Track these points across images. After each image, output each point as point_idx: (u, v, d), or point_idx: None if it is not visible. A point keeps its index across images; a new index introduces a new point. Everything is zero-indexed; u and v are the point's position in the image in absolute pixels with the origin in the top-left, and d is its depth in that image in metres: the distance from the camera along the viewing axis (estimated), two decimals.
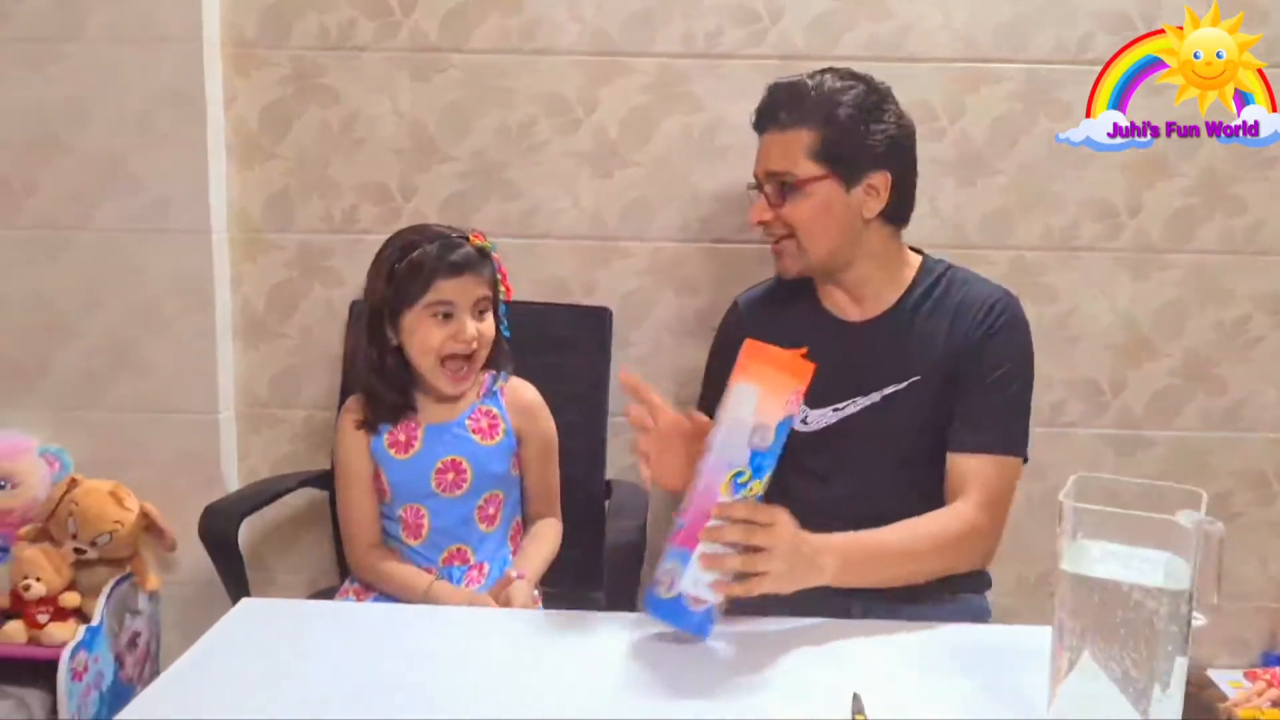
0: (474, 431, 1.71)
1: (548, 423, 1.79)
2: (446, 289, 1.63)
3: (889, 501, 1.51)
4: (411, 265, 1.63)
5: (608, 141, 2.09)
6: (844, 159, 1.57)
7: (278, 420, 2.20)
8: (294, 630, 1.27)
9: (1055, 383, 2.12)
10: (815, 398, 1.63)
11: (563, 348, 2.03)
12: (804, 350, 1.24)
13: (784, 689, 1.15)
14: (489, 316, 1.69)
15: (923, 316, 1.62)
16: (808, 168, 1.56)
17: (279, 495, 1.90)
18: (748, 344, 1.23)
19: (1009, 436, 1.56)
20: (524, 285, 2.07)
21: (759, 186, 1.61)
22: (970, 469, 1.53)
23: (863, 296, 1.65)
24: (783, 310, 1.72)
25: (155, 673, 2.14)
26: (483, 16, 2.06)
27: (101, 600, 1.99)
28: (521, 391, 1.78)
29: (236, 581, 1.66)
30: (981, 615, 1.66)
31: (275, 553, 2.23)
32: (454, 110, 2.09)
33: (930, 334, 1.61)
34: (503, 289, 1.73)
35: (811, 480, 1.65)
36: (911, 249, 1.69)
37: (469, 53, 2.07)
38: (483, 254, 1.68)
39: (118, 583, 2.04)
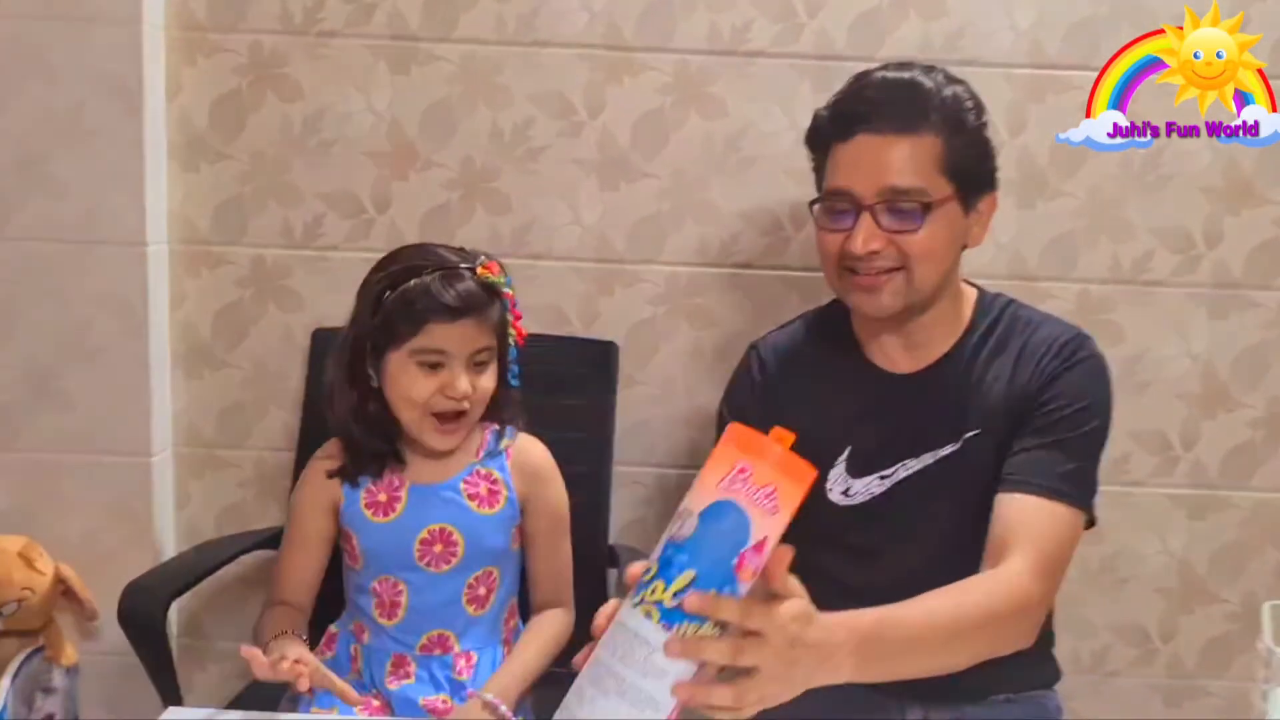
0: (470, 497, 1.44)
1: (559, 491, 1.52)
2: (439, 335, 1.37)
3: (948, 580, 1.24)
4: (403, 298, 1.36)
5: (616, 149, 1.83)
6: (970, 175, 1.32)
7: (223, 464, 1.91)
8: None
9: (1120, 434, 1.86)
10: (859, 464, 1.39)
11: (560, 387, 1.75)
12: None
13: None
14: (490, 369, 1.43)
15: (981, 362, 1.37)
16: (941, 185, 1.30)
17: (218, 566, 1.61)
18: (731, 429, 0.88)
19: (1076, 483, 1.29)
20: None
21: (856, 205, 1.32)
22: (1024, 515, 1.25)
23: (921, 343, 1.39)
24: (816, 361, 1.46)
25: None
26: (473, 0, 1.80)
27: (6, 680, 1.69)
28: (531, 451, 1.51)
29: (163, 675, 1.37)
30: (1055, 718, 1.42)
31: (215, 618, 1.93)
32: (438, 109, 1.82)
33: (991, 380, 1.36)
34: (513, 333, 1.45)
35: (856, 560, 1.40)
36: (964, 281, 1.44)
37: (456, 42, 1.81)
38: (491, 291, 1.40)
39: (28, 657, 1.74)
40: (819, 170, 1.39)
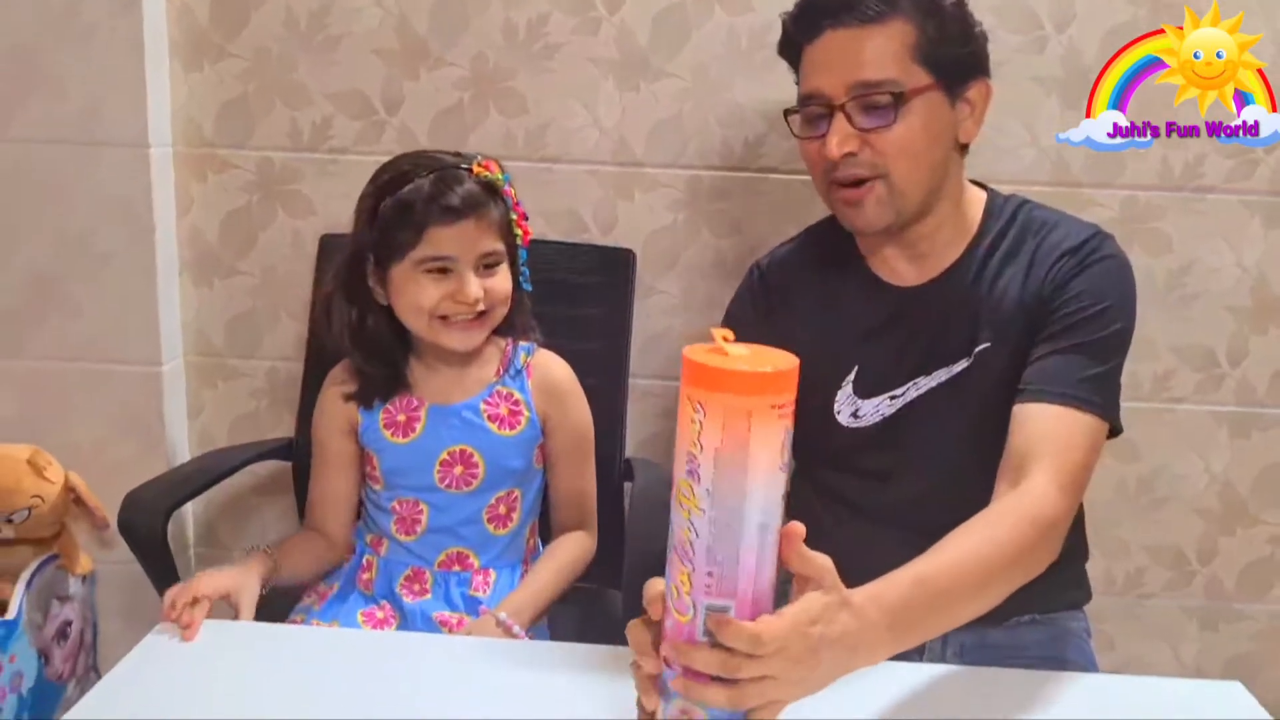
0: (490, 419, 1.39)
1: (581, 410, 1.47)
2: (442, 240, 1.30)
3: (964, 503, 1.17)
4: (399, 206, 1.31)
5: (636, 47, 1.73)
6: (950, 61, 1.23)
7: (235, 373, 1.87)
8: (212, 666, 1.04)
9: (1163, 350, 1.78)
10: (867, 385, 1.32)
11: (575, 296, 1.69)
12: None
13: None
14: (500, 270, 1.36)
15: (992, 269, 1.29)
16: (915, 74, 1.21)
17: (224, 476, 1.57)
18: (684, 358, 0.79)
19: (1098, 391, 1.20)
20: (531, 219, 1.73)
21: (829, 107, 1.23)
22: (1044, 426, 1.17)
23: (926, 251, 1.31)
24: (818, 277, 1.38)
25: (91, 666, 1.84)
26: None
27: (20, 586, 1.67)
28: (551, 369, 1.45)
29: (165, 583, 1.33)
30: (1082, 640, 1.37)
31: (231, 527, 1.92)
32: (450, 3, 1.73)
33: (1003, 288, 1.27)
34: (518, 231, 1.38)
35: (868, 483, 1.34)
36: (973, 183, 1.35)
37: None
38: (491, 190, 1.34)
39: (41, 565, 1.73)
40: (797, 79, 1.31)
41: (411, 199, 1.30)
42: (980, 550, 1.04)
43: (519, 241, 1.39)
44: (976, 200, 1.34)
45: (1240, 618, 1.88)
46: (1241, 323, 1.78)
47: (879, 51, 1.21)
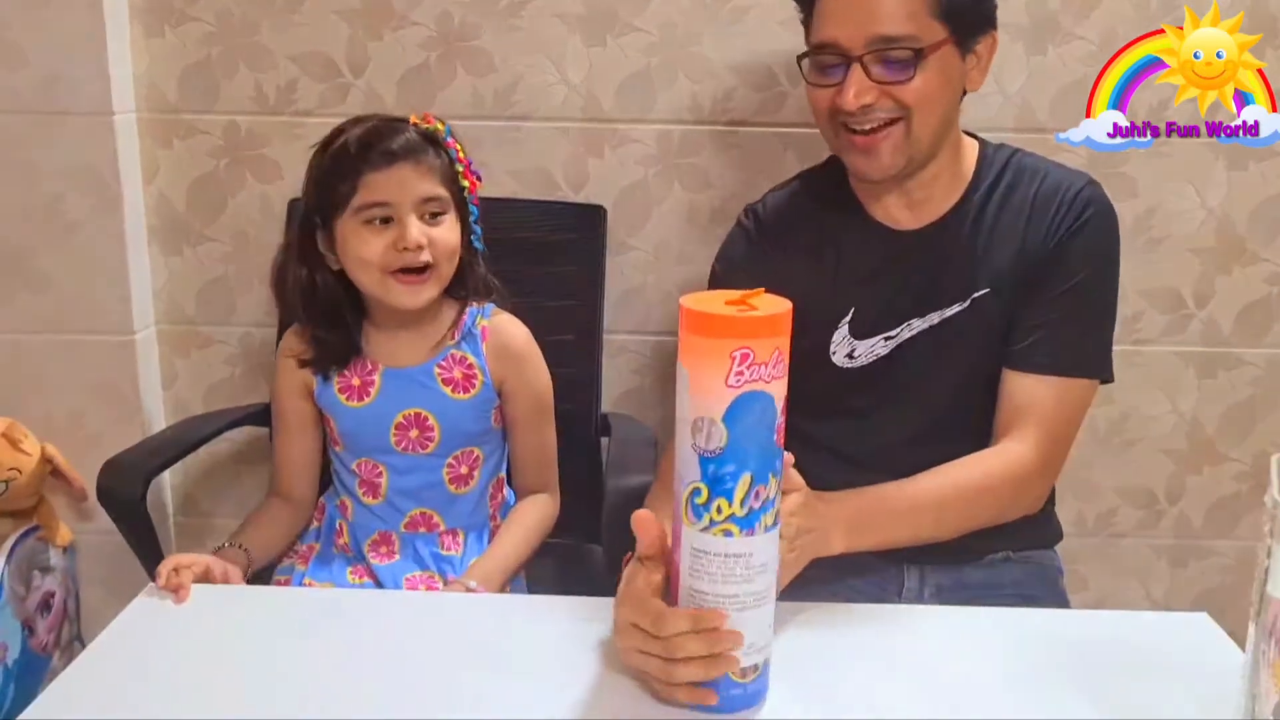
0: (444, 382, 1.39)
1: (539, 373, 1.45)
2: (378, 186, 1.29)
3: (942, 450, 1.25)
4: (334, 157, 1.30)
5: (602, 2, 1.71)
6: (965, 15, 1.24)
7: (208, 340, 1.86)
8: (203, 628, 1.05)
9: (1130, 293, 1.80)
10: (863, 326, 1.34)
11: (547, 254, 1.69)
12: (757, 292, 0.86)
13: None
14: (446, 220, 1.34)
15: (989, 217, 1.31)
16: (933, 29, 1.22)
17: (202, 442, 1.57)
18: (689, 316, 0.84)
19: (1083, 354, 1.28)
20: (501, 179, 1.74)
21: (845, 57, 1.23)
22: (1031, 395, 1.26)
23: (924, 198, 1.33)
24: (815, 221, 1.39)
25: (75, 636, 1.85)
26: None
27: (1, 559, 1.68)
28: (506, 332, 1.43)
29: (147, 551, 1.35)
30: (1054, 578, 1.41)
31: (210, 495, 1.92)
32: None
33: (1001, 237, 1.30)
34: (465, 183, 1.36)
35: (853, 425, 1.37)
36: (965, 133, 1.36)
37: None
38: (429, 138, 1.33)
39: (21, 537, 1.73)
40: (806, 24, 1.31)
41: (346, 147, 1.30)
42: (942, 487, 1.21)
43: (466, 195, 1.37)
44: (970, 148, 1.36)
45: (1209, 554, 1.91)
46: (1207, 264, 1.80)
47: (898, 5, 1.20)
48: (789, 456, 0.94)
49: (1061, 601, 1.37)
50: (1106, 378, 1.31)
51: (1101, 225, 1.30)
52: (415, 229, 1.30)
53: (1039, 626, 1.07)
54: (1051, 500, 1.42)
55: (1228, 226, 1.78)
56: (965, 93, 1.31)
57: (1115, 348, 1.32)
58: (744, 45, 1.72)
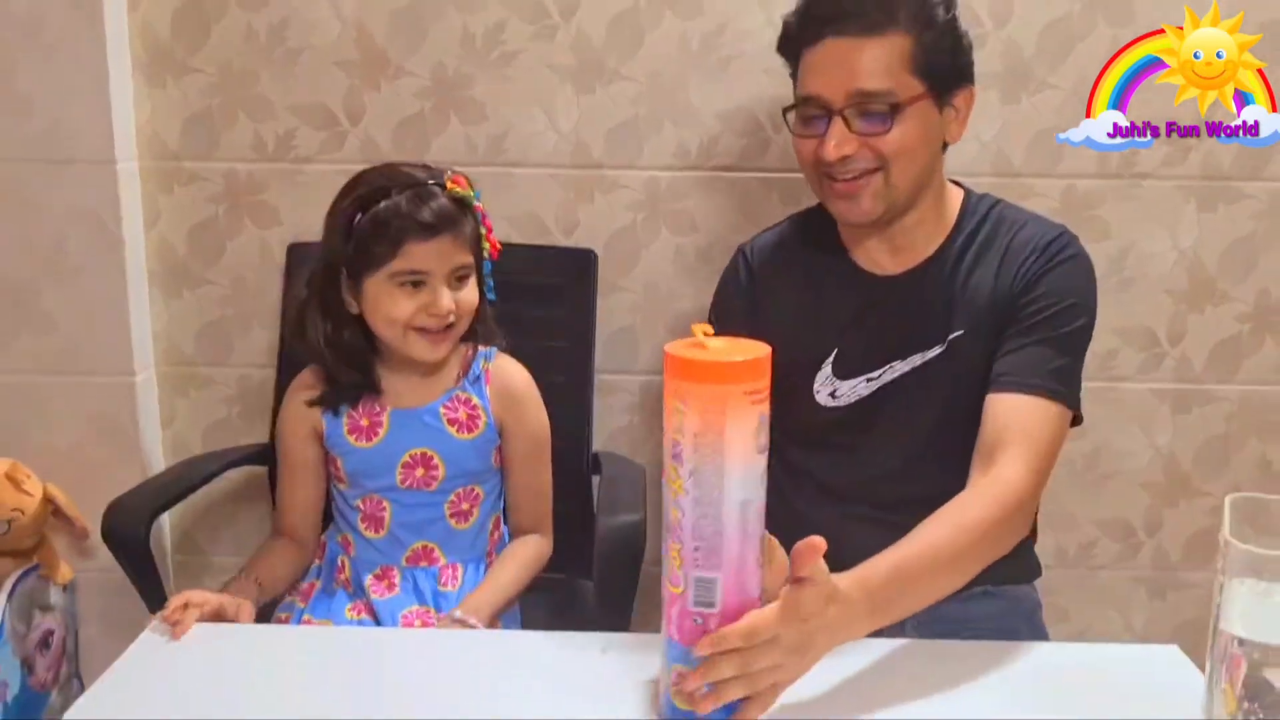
0: (449, 422, 1.43)
1: (538, 416, 1.50)
2: (418, 255, 1.34)
3: (926, 481, 1.28)
4: (376, 222, 1.34)
5: (591, 51, 1.77)
6: (942, 71, 1.30)
7: (207, 381, 1.90)
8: (206, 666, 1.07)
9: (1105, 331, 1.85)
10: (846, 367, 1.39)
11: (539, 297, 1.73)
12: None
13: None
14: (470, 282, 1.40)
15: (967, 264, 1.36)
16: (910, 85, 1.27)
17: (203, 482, 1.60)
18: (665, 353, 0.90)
19: (1064, 380, 1.30)
20: (494, 224, 1.75)
21: (827, 110, 1.29)
22: (1016, 414, 1.26)
23: (906, 244, 1.38)
24: (801, 263, 1.44)
25: (73, 673, 1.86)
26: None
27: (2, 598, 1.70)
28: (508, 374, 1.49)
29: (150, 589, 1.38)
30: (1033, 611, 1.45)
31: (208, 534, 1.95)
32: (407, 14, 1.76)
33: (976, 281, 1.35)
34: (487, 245, 1.42)
35: (839, 460, 1.42)
36: (951, 181, 1.42)
37: None
38: (462, 205, 1.38)
39: (23, 575, 1.75)
40: (794, 78, 1.37)
41: (388, 215, 1.33)
42: (954, 538, 1.14)
43: (487, 255, 1.42)
44: (954, 197, 1.41)
45: (1186, 585, 1.95)
46: (1179, 303, 1.85)
47: (877, 62, 1.26)
48: (818, 542, 0.92)
49: (1040, 635, 1.40)
50: (1077, 412, 1.32)
51: (1072, 269, 1.34)
52: (447, 298, 1.35)
53: (1011, 659, 1.10)
54: (1033, 535, 1.46)
55: (1199, 267, 1.84)
56: (947, 145, 1.36)
57: (1092, 384, 1.36)
58: (729, 93, 1.77)
